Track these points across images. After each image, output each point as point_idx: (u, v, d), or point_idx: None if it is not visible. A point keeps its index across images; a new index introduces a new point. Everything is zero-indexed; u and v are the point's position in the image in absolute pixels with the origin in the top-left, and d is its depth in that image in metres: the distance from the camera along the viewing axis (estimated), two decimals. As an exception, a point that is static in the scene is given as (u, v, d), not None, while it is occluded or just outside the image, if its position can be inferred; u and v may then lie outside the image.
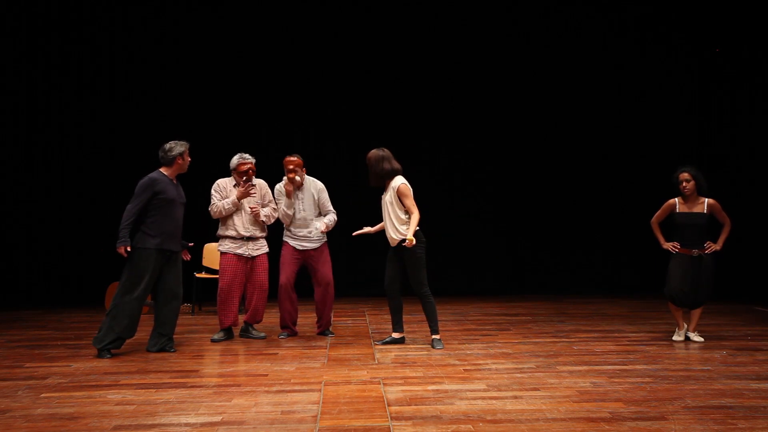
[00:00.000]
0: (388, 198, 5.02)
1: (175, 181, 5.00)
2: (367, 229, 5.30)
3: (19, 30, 7.78)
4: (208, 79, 8.14)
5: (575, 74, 8.59)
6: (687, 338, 5.38)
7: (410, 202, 4.95)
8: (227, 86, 8.19)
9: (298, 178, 5.41)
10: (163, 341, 5.01)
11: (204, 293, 7.35)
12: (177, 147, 4.96)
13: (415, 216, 4.90)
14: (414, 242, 4.81)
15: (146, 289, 4.83)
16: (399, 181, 5.00)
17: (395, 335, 5.22)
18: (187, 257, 5.25)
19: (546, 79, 8.59)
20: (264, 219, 5.45)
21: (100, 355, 4.75)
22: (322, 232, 5.48)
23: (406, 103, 8.44)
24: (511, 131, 8.65)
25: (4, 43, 7.72)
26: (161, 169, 4.95)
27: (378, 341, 5.26)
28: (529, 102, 8.62)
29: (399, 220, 4.94)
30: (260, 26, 8.20)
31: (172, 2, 8.07)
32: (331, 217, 5.57)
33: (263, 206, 5.49)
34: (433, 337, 5.09)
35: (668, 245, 5.32)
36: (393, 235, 4.97)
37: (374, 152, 5.10)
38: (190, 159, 5.03)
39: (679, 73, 8.59)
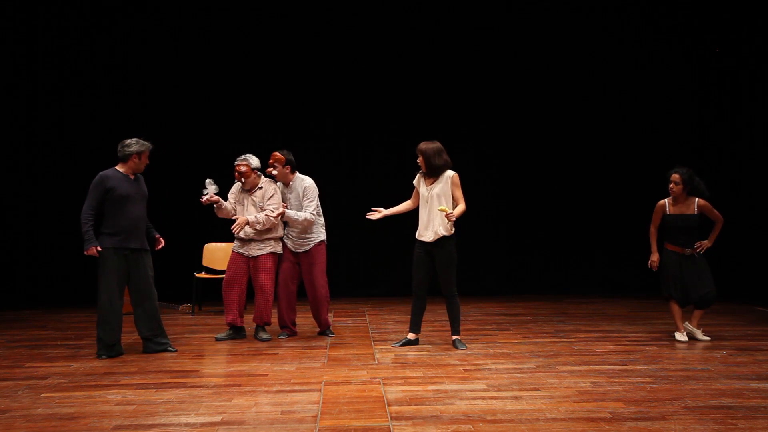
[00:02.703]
0: (438, 190, 4.89)
1: (132, 177, 4.86)
2: (385, 212, 5.13)
3: (18, 28, 7.77)
4: (208, 80, 8.12)
5: (575, 75, 8.58)
6: (691, 337, 5.39)
7: (461, 194, 4.91)
8: (228, 88, 8.18)
9: (275, 172, 5.39)
10: (158, 342, 4.95)
11: (204, 293, 7.34)
12: (135, 145, 4.83)
13: (464, 207, 4.86)
14: (455, 217, 4.72)
15: (114, 290, 4.73)
16: (452, 172, 4.95)
17: (411, 336, 5.15)
18: (160, 245, 5.12)
19: (546, 80, 8.58)
20: (259, 227, 5.28)
21: (97, 356, 4.78)
22: (274, 217, 5.24)
23: (405, 104, 8.42)
24: (511, 132, 8.64)
25: (4, 40, 7.72)
26: (116, 166, 4.85)
27: (395, 344, 5.15)
28: (529, 102, 8.61)
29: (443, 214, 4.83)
30: (260, 27, 8.19)
31: (173, 2, 8.06)
32: (301, 214, 5.33)
33: (263, 209, 5.37)
34: (455, 337, 5.05)
35: (652, 260, 5.42)
36: (439, 230, 4.85)
37: (435, 144, 4.95)
38: (148, 162, 4.91)
39: (679, 73, 8.58)
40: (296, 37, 8.26)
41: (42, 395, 3.78)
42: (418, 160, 4.98)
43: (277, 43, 8.25)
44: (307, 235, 5.47)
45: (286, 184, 5.51)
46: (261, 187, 5.42)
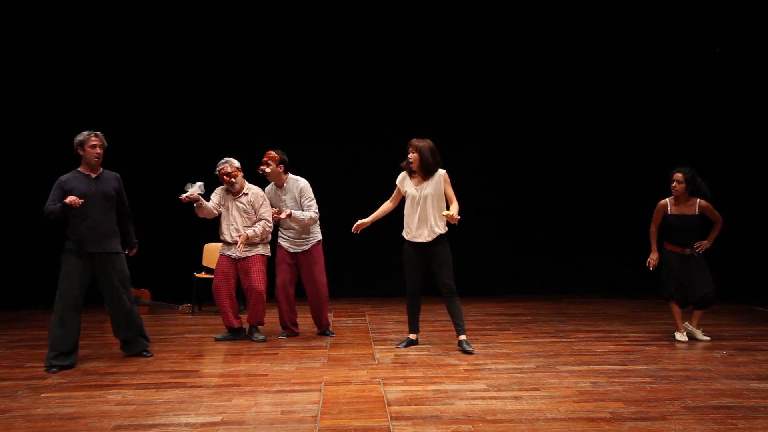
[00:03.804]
0: (430, 190, 4.80)
1: (94, 176, 4.54)
2: (368, 221, 5.08)
3: (16, 27, 7.77)
4: (208, 80, 8.11)
5: (576, 75, 8.58)
6: (691, 337, 5.39)
7: (452, 192, 4.83)
8: (228, 88, 8.16)
9: (268, 170, 5.37)
10: (138, 345, 4.75)
11: (204, 293, 7.33)
12: (78, 137, 4.50)
13: (457, 204, 4.76)
14: (458, 219, 4.60)
15: (72, 295, 4.42)
16: (443, 170, 4.86)
17: (413, 336, 5.13)
18: (132, 253, 4.86)
19: (546, 80, 8.57)
20: (258, 240, 5.30)
21: (47, 371, 4.36)
22: (281, 217, 5.29)
23: (405, 104, 8.41)
24: (511, 132, 8.63)
25: (4, 41, 7.72)
26: (79, 167, 4.58)
27: (399, 344, 5.12)
28: (529, 102, 8.61)
29: (439, 214, 4.76)
30: (260, 27, 8.19)
31: (174, 3, 8.06)
32: (306, 214, 5.35)
33: (257, 220, 5.34)
34: (461, 338, 4.92)
35: (651, 259, 5.41)
36: (436, 229, 4.77)
37: (428, 141, 4.86)
38: (97, 150, 4.50)
39: (679, 73, 8.58)
40: (296, 37, 8.26)
41: (42, 395, 3.79)
42: (410, 157, 4.85)
43: (277, 43, 8.24)
44: (306, 235, 5.47)
45: (279, 185, 5.49)
46: (246, 193, 5.37)
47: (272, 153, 5.39)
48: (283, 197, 5.47)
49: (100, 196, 4.51)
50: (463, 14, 8.41)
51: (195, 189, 5.14)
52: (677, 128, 8.57)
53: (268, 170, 5.37)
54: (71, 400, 3.69)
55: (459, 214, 4.70)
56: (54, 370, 4.35)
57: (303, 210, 5.41)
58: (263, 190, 5.53)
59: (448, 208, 4.78)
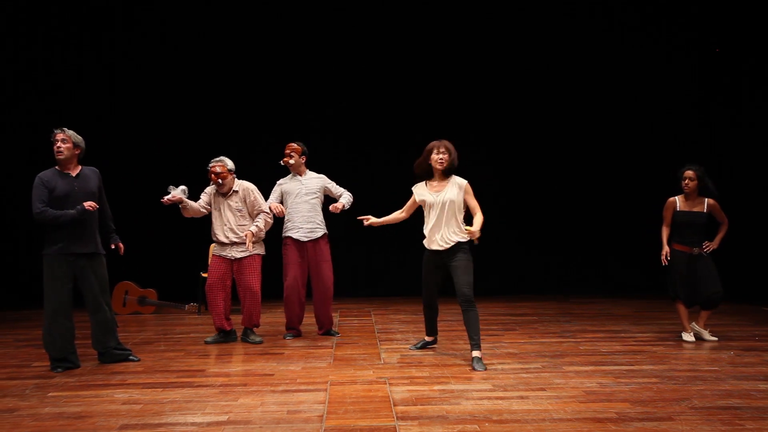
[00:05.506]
0: (449, 196, 4.60)
1: (73, 174, 4.40)
2: (375, 220, 4.97)
3: (13, 29, 7.81)
4: (209, 82, 8.13)
5: (579, 75, 8.56)
6: (698, 338, 5.37)
7: (476, 202, 4.69)
8: (229, 89, 8.19)
9: (292, 161, 5.51)
10: (113, 354, 4.57)
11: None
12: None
13: (482, 215, 4.63)
14: (479, 233, 4.51)
15: (59, 300, 4.29)
16: (464, 181, 4.70)
17: (428, 338, 5.04)
18: (120, 251, 4.70)
19: (549, 81, 8.56)
20: (262, 235, 5.32)
21: (52, 370, 4.38)
22: (338, 209, 5.48)
23: (408, 103, 8.42)
24: (516, 132, 8.63)
25: (4, 42, 7.76)
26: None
27: (412, 346, 5.06)
28: (532, 102, 8.60)
29: (457, 222, 4.61)
30: (258, 24, 8.20)
31: (172, 3, 8.08)
32: (347, 198, 5.62)
33: (256, 214, 5.32)
34: (475, 354, 4.46)
35: (662, 255, 5.36)
36: (453, 237, 4.57)
37: (450, 144, 4.68)
38: (56, 146, 4.36)
39: (679, 73, 8.55)
40: (297, 36, 8.27)
41: (49, 394, 3.80)
42: (443, 156, 4.61)
43: (278, 43, 8.25)
44: (316, 225, 5.50)
45: (300, 173, 5.58)
46: (236, 191, 5.30)
47: (294, 145, 5.57)
48: (300, 190, 5.51)
49: (82, 195, 4.35)
50: (464, 14, 8.41)
51: (177, 192, 5.07)
52: (681, 129, 8.54)
53: (292, 162, 5.51)
54: (78, 399, 3.70)
55: (482, 225, 4.60)
56: (59, 369, 4.37)
57: (336, 195, 5.66)
58: (280, 180, 5.60)
59: (469, 220, 4.64)
